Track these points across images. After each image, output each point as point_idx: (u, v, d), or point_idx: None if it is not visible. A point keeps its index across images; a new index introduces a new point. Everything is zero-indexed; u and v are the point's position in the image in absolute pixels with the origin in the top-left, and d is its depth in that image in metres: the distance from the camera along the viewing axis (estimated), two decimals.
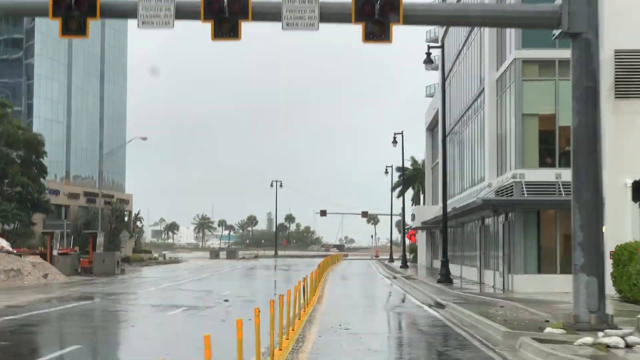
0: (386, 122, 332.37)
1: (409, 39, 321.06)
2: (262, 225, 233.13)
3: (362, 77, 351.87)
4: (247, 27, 17.37)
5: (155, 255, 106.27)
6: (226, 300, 26.88)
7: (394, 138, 69.43)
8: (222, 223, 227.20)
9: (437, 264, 65.93)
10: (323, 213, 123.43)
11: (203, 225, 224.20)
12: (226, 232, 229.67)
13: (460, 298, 27.48)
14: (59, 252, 53.55)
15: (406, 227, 76.53)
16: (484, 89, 37.77)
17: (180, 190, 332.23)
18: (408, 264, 67.32)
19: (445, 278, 37.88)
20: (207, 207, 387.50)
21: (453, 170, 51.34)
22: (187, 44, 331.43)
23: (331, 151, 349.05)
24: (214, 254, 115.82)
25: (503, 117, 34.65)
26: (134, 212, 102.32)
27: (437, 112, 63.22)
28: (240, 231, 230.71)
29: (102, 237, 55.75)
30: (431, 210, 57.72)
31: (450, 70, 51.60)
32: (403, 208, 70.78)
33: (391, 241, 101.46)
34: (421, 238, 79.73)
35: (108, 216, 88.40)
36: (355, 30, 17.16)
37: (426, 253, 73.48)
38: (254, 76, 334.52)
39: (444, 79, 41.81)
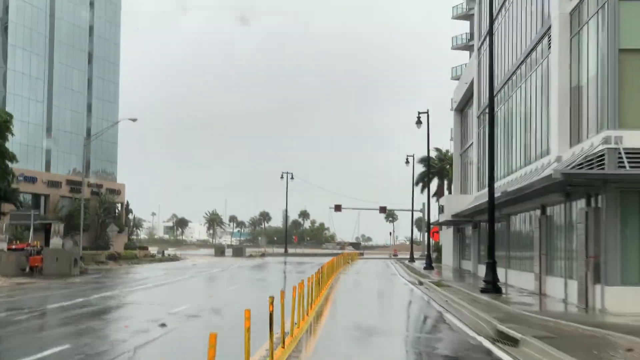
0: (407, 117, 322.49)
1: (432, 27, 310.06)
2: (277, 222, 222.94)
3: (381, 72, 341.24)
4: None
5: (153, 252, 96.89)
6: (163, 325, 16.99)
7: (418, 118, 59.26)
8: (233, 219, 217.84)
9: (467, 265, 55.90)
10: (338, 208, 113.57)
11: (213, 221, 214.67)
12: (238, 229, 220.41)
13: (533, 324, 17.41)
14: (13, 247, 43.98)
15: (430, 223, 66.20)
16: (549, 28, 27.61)
17: (197, 186, 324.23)
18: (432, 265, 57.31)
19: (492, 287, 27.90)
20: (222, 203, 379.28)
21: (497, 149, 41.24)
22: (199, 28, 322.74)
23: (349, 148, 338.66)
24: (220, 251, 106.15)
25: (581, 61, 24.50)
26: (129, 204, 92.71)
27: (470, 86, 53.14)
28: (254, 227, 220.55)
29: (61, 227, 45.83)
30: (465, 200, 47.56)
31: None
32: (428, 199, 60.68)
33: (412, 238, 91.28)
34: (447, 235, 69.72)
35: (95, 208, 79.03)
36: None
37: (453, 253, 63.54)
38: (272, 71, 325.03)
39: (492, 14, 31.70)
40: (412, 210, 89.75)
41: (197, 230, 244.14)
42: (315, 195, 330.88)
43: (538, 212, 29.56)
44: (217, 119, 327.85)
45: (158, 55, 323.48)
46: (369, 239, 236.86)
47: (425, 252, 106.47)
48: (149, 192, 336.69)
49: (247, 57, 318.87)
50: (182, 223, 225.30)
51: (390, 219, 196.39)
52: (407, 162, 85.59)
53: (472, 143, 52.09)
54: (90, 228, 77.17)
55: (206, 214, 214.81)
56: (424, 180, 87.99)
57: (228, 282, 37.96)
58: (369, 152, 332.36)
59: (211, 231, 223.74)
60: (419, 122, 59.38)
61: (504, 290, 28.62)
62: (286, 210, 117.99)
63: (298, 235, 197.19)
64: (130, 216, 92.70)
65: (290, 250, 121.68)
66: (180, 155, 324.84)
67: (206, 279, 39.93)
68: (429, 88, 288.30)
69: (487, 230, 29.27)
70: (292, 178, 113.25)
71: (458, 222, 51.54)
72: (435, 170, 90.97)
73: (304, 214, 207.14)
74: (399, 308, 25.57)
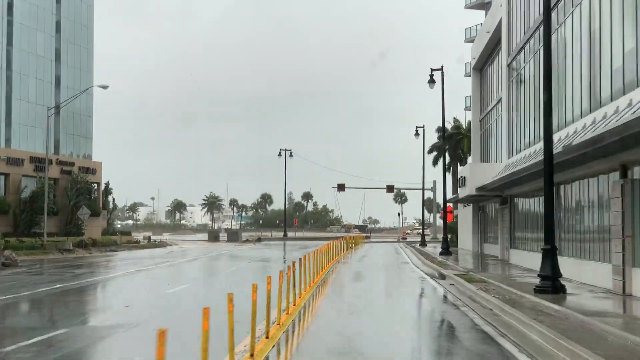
0: (416, 96, 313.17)
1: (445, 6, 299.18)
2: (280, 205, 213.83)
3: (388, 47, 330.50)
4: None
5: (138, 237, 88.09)
6: None
7: (431, 76, 49.85)
8: (233, 202, 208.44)
9: (491, 250, 46.85)
10: (341, 187, 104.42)
11: (213, 205, 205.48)
12: (238, 212, 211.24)
13: None
14: None
15: (447, 200, 56.84)
16: None
17: (199, 170, 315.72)
18: (450, 249, 48.22)
19: (552, 285, 18.94)
20: (223, 187, 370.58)
21: (533, 104, 32.03)
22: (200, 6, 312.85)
23: (356, 129, 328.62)
24: (213, 236, 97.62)
25: None
26: (109, 185, 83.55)
27: (495, 33, 43.85)
28: (255, 211, 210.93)
29: None
30: (492, 170, 38.20)
31: None
32: (444, 168, 51.43)
33: (423, 219, 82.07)
34: (464, 215, 60.70)
35: (65, 189, 70.05)
36: None
37: (472, 235, 54.58)
38: (274, 50, 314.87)
39: None
40: (423, 189, 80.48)
41: (199, 215, 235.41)
42: (321, 178, 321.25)
43: (615, 175, 20.38)
44: (221, 103, 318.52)
45: (157, 41, 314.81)
46: (376, 221, 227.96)
47: (438, 235, 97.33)
48: (150, 177, 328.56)
49: (252, 39, 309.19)
50: (180, 207, 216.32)
51: (398, 200, 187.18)
52: (417, 133, 76.29)
53: (498, 101, 42.88)
54: (61, 212, 68.31)
55: (205, 197, 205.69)
56: (437, 150, 78.60)
57: (180, 278, 28.51)
58: (376, 132, 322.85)
59: (212, 215, 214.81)
60: (431, 82, 49.96)
61: (567, 289, 19.51)
62: (285, 190, 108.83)
63: (301, 218, 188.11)
64: (110, 198, 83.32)
65: (291, 234, 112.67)
66: (183, 139, 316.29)
67: (156, 274, 30.70)
68: (440, 56, 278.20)
69: (530, 205, 20.32)
70: (291, 155, 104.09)
71: (482, 197, 42.28)
72: (450, 141, 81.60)
73: (307, 196, 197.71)
74: (419, 328, 16.30)
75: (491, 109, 48.36)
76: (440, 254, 46.71)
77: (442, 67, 50.00)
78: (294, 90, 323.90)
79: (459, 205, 66.13)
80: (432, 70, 50.02)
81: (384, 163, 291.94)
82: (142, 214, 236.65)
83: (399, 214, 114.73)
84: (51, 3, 71.20)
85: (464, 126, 79.29)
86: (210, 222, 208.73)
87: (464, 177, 40.07)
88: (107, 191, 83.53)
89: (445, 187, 49.65)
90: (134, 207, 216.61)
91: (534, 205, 32.62)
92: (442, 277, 28.23)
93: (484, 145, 52.77)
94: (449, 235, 71.35)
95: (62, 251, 54.31)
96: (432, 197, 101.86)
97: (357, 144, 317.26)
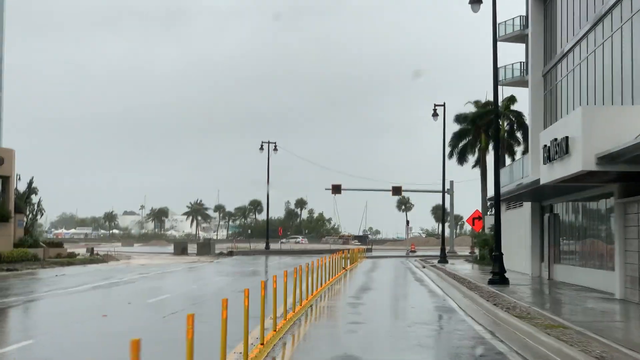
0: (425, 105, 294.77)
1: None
2: (272, 213, 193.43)
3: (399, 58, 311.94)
4: None
5: (77, 250, 68.33)
6: None
7: None
8: (219, 209, 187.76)
9: (572, 276, 25.52)
10: (336, 189, 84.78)
11: (197, 212, 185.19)
12: (224, 221, 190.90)
13: None
14: None
15: (499, 195, 37.37)
16: None
17: (192, 178, 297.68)
18: (506, 275, 28.51)
19: None
20: (215, 194, 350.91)
21: None
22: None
23: (363, 137, 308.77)
24: (180, 248, 78.12)
25: None
26: (33, 182, 63.83)
27: None
28: (243, 219, 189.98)
29: None
30: (630, 119, 18.24)
31: None
32: (497, 141, 31.98)
33: (444, 227, 62.18)
34: (513, 221, 41.37)
35: None
36: None
37: (530, 251, 35.29)
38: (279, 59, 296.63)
39: None
40: (443, 190, 60.56)
41: (187, 224, 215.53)
42: (320, 185, 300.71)
43: None
44: (223, 112, 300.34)
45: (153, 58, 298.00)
46: (377, 232, 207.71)
47: (456, 248, 77.19)
48: (150, 185, 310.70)
49: (251, 54, 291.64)
50: (161, 214, 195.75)
51: (402, 207, 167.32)
52: (435, 114, 56.76)
53: (582, 36, 23.12)
54: None
55: (189, 204, 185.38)
56: (462, 138, 58.91)
57: None
58: (385, 140, 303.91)
59: (202, 224, 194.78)
60: (476, 1, 30.48)
61: None
62: (267, 192, 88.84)
63: (294, 228, 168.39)
64: (35, 199, 63.30)
65: (276, 247, 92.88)
66: (178, 147, 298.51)
67: None
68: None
69: None
70: (275, 149, 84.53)
71: (562, 186, 22.37)
72: (474, 127, 61.80)
73: (301, 203, 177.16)
74: None
75: (575, 45, 29.03)
76: (491, 282, 27.40)
77: None
78: (306, 100, 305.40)
79: (501, 207, 46.59)
80: None
81: (388, 167, 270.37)
82: (128, 222, 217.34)
83: (407, 222, 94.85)
84: None
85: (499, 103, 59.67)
86: (196, 232, 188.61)
87: (565, 140, 20.06)
88: (31, 190, 63.63)
89: (498, 167, 29.83)
90: (110, 216, 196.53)
91: None
92: None
93: (552, 110, 33.45)
94: (479, 250, 52.08)
95: None
96: (447, 202, 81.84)
97: (362, 149, 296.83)
